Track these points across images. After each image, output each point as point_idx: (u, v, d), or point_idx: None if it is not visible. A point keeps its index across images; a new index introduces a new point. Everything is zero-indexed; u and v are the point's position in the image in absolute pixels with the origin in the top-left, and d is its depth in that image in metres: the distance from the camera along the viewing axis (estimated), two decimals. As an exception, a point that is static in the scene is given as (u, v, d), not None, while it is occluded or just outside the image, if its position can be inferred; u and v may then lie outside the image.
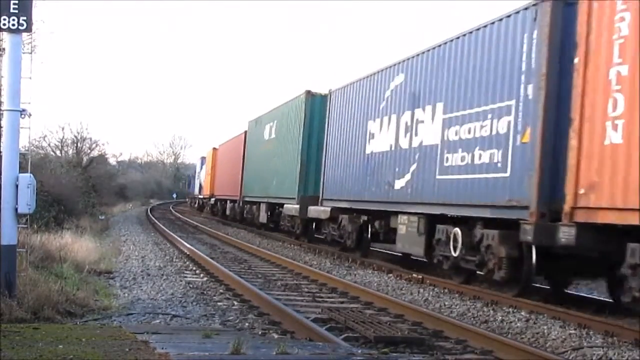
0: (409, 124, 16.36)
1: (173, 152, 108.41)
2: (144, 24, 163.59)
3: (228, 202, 41.58)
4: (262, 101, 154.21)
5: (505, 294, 12.54)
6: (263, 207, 30.26)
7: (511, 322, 10.68)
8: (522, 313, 11.31)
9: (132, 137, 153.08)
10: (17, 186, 9.35)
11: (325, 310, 10.62)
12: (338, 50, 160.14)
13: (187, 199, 77.71)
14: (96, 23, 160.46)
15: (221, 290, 12.80)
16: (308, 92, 24.69)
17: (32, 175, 9.62)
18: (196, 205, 65.84)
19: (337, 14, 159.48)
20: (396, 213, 16.79)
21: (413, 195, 15.84)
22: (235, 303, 11.43)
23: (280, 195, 27.10)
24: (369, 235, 19.22)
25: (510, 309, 11.66)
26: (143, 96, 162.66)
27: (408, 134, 16.33)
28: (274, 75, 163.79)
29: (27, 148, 11.46)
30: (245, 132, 36.93)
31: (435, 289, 13.98)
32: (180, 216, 47.81)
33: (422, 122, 15.71)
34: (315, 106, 24.47)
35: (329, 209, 21.35)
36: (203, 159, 60.82)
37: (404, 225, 16.31)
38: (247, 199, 34.50)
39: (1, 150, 10.00)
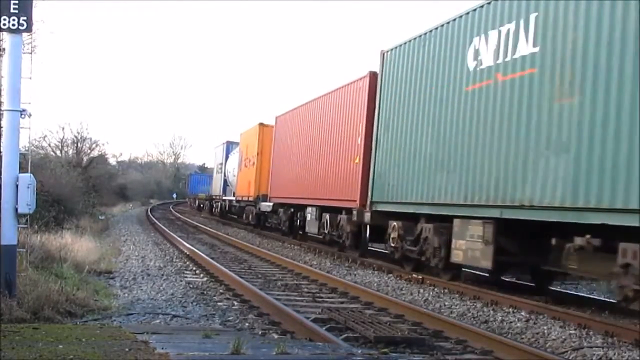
0: None
1: (173, 152, 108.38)
2: (144, 24, 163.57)
3: (313, 210, 23.11)
4: (263, 102, 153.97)
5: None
6: (476, 229, 13.05)
7: (511, 322, 10.68)
8: (522, 313, 11.31)
9: (132, 137, 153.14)
10: (17, 186, 9.36)
11: (325, 311, 10.62)
12: (339, 53, 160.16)
13: (187, 200, 76.62)
14: (96, 23, 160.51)
15: (221, 291, 12.80)
16: None
17: (32, 175, 9.62)
18: (217, 210, 47.66)
19: (336, 15, 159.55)
20: None
21: None
22: (235, 303, 11.43)
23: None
24: None
25: (510, 309, 11.66)
26: (143, 96, 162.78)
27: None
28: (274, 75, 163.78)
29: (27, 148, 11.46)
30: (371, 75, 18.66)
31: (435, 289, 13.97)
32: (180, 216, 47.80)
33: None
34: None
35: None
36: (230, 145, 43.81)
37: None
38: (384, 208, 17.26)
39: (1, 150, 10.01)
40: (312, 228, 23.46)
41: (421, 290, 13.87)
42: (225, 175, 43.41)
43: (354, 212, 18.75)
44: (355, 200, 18.83)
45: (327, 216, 21.66)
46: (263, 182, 31.58)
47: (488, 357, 8.28)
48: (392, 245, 16.71)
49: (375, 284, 14.65)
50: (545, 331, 10.01)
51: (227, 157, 43.36)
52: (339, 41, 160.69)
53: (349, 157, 19.77)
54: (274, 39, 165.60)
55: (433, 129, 15.13)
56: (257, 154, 32.58)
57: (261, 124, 32.66)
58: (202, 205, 58.61)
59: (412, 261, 16.07)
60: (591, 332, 9.88)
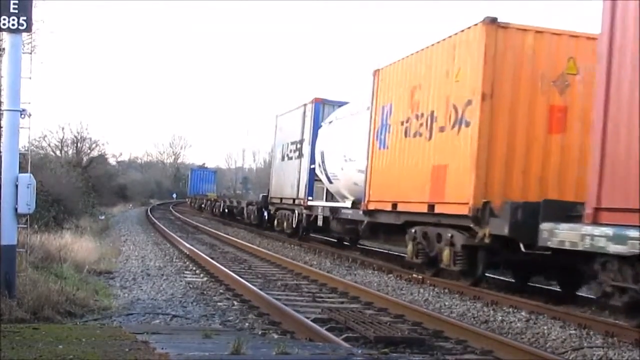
0: None
1: (173, 152, 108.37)
2: (144, 24, 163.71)
3: None
4: (264, 102, 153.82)
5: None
6: None
7: (511, 322, 10.68)
8: (522, 313, 11.31)
9: (132, 137, 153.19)
10: (16, 186, 9.36)
11: (325, 311, 10.62)
12: (341, 56, 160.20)
13: (187, 200, 76.05)
14: (96, 23, 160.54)
15: (221, 291, 12.79)
16: None
17: (32, 175, 9.62)
18: (289, 223, 26.88)
19: (337, 19, 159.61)
20: None
21: None
22: (235, 303, 11.43)
23: None
24: None
25: (510, 309, 11.66)
26: (143, 96, 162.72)
27: None
28: (274, 76, 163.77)
29: (27, 148, 11.45)
30: None
31: (435, 289, 13.98)
32: (180, 216, 47.78)
33: None
34: None
35: None
36: (320, 106, 25.03)
37: None
38: None
39: (1, 150, 10.01)
40: None
41: (421, 290, 13.87)
42: (315, 163, 24.18)
43: None
44: None
45: None
46: (495, 172, 13.35)
47: (488, 357, 8.28)
48: None
49: (375, 284, 14.65)
50: (545, 331, 10.01)
51: (315, 129, 24.66)
52: (335, 42, 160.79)
53: None
54: (273, 37, 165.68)
55: None
56: (481, 98, 13.28)
57: (491, 22, 13.24)
58: (229, 210, 37.71)
59: None
60: (591, 332, 9.88)
